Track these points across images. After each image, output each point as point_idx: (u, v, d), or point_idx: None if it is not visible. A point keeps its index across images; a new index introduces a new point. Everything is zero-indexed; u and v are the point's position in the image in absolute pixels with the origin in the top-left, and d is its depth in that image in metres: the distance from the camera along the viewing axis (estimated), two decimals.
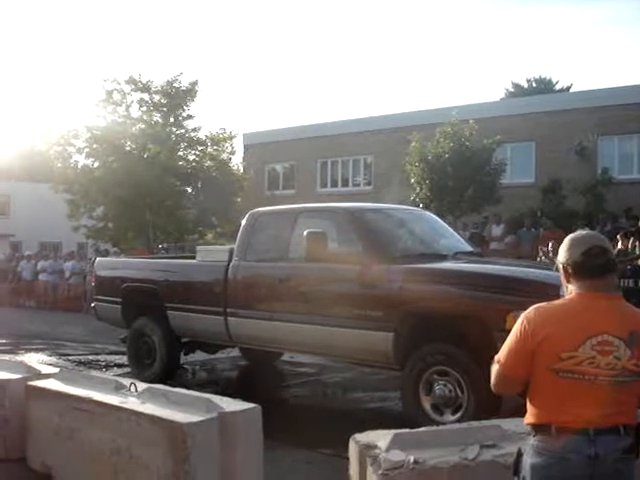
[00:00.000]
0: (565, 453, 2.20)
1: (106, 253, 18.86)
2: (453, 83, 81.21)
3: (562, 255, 2.38)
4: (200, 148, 22.34)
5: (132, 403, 4.05)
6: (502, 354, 2.37)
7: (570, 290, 2.36)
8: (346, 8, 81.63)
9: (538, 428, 2.28)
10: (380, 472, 3.08)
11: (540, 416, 2.29)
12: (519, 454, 2.37)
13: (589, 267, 2.28)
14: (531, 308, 2.34)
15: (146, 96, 21.69)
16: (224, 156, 22.66)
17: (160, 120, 21.78)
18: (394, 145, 19.79)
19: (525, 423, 2.37)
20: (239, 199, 22.46)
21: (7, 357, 7.07)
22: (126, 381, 4.56)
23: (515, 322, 2.38)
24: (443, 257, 6.19)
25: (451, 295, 5.28)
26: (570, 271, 2.33)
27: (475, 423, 3.59)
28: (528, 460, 2.29)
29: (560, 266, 2.39)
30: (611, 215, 15.60)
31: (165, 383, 5.25)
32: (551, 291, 4.04)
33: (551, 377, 2.24)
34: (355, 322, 5.75)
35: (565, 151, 17.99)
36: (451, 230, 7.49)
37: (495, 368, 2.40)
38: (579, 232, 2.44)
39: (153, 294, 7.77)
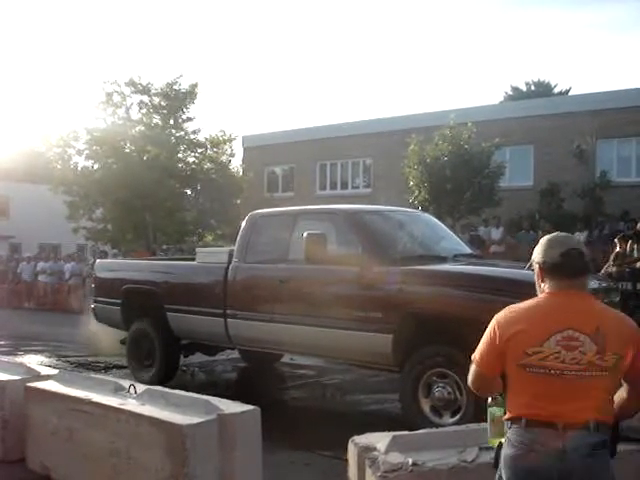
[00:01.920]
0: (533, 445, 2.25)
1: (104, 255, 18.85)
2: (452, 86, 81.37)
3: (539, 255, 2.44)
4: (200, 150, 22.35)
5: (131, 405, 4.06)
6: (477, 354, 2.47)
7: (542, 288, 2.43)
8: (346, 11, 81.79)
9: (512, 421, 2.35)
10: (379, 474, 3.09)
11: (514, 410, 2.35)
12: (499, 447, 2.44)
13: (566, 268, 2.36)
14: (504, 309, 2.43)
15: (146, 98, 21.72)
16: (223, 158, 22.68)
17: (160, 122, 21.80)
18: (393, 148, 19.81)
19: (504, 419, 2.42)
20: (238, 201, 22.48)
21: (6, 358, 7.06)
22: (125, 383, 4.57)
23: None
24: (443, 259, 6.19)
25: (450, 297, 5.28)
26: (547, 270, 2.40)
27: (474, 425, 3.59)
28: (503, 452, 2.37)
29: (536, 265, 2.45)
30: (609, 218, 15.62)
31: (164, 385, 5.25)
32: None
33: (520, 373, 2.31)
34: (354, 324, 5.75)
35: (564, 154, 18.01)
36: (450, 232, 7.50)
37: (471, 369, 2.50)
38: (556, 234, 2.51)
39: (153, 296, 7.77)
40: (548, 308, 2.35)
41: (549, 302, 2.37)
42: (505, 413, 2.42)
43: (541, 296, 2.42)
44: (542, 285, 2.44)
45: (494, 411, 2.75)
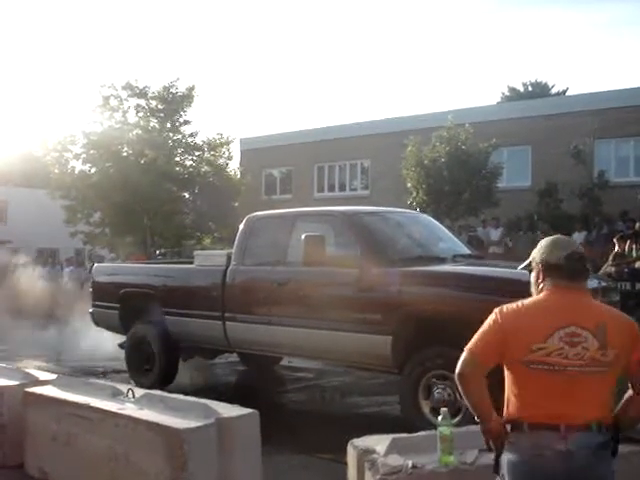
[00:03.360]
0: (537, 449, 2.23)
1: (101, 259, 18.79)
2: (449, 87, 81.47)
3: (543, 255, 2.46)
4: (197, 153, 22.35)
5: (130, 409, 4.04)
6: (473, 343, 2.42)
7: (540, 288, 2.45)
8: (342, 12, 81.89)
9: (513, 424, 2.32)
10: (378, 477, 3.07)
11: (514, 412, 2.34)
12: (498, 452, 2.39)
13: (569, 270, 2.40)
14: (506, 305, 2.44)
15: (143, 102, 21.70)
16: (221, 161, 22.68)
17: (157, 126, 21.78)
18: (391, 149, 19.79)
19: (502, 421, 2.38)
20: (236, 204, 22.46)
21: (4, 364, 7.03)
22: (124, 387, 4.55)
23: None
24: (442, 260, 6.18)
25: (450, 298, 5.27)
26: (549, 271, 2.43)
27: (474, 427, 3.57)
28: (505, 457, 2.33)
29: (538, 265, 2.47)
30: (607, 218, 15.60)
31: (163, 389, 5.24)
32: None
33: (523, 370, 2.30)
34: (353, 326, 5.73)
35: (561, 154, 17.99)
36: (449, 233, 7.49)
37: (464, 356, 2.41)
38: (558, 236, 2.56)
39: (151, 299, 7.75)
40: (550, 305, 2.37)
41: (551, 299, 2.39)
42: (452, 431, 2.57)
43: (542, 294, 2.43)
44: (540, 285, 2.45)
45: (443, 430, 2.77)
